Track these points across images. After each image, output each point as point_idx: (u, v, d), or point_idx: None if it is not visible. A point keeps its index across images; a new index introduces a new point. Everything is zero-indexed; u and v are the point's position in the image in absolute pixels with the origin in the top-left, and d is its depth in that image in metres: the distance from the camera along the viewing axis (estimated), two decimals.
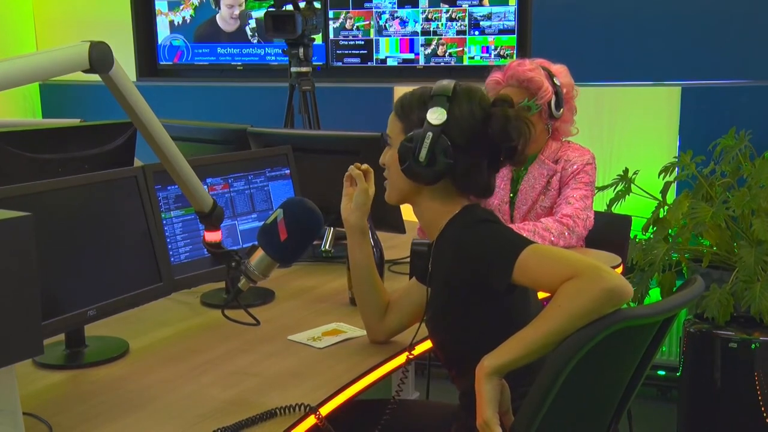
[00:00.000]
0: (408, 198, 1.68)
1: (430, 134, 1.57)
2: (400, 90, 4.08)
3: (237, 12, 4.41)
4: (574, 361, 1.32)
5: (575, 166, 2.56)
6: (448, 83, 1.61)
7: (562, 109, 2.58)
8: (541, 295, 1.81)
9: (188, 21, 4.53)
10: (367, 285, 1.79)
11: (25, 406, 1.30)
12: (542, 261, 1.44)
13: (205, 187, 1.91)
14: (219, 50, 4.51)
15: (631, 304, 1.44)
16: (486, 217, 1.59)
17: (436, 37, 4.06)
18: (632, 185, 3.26)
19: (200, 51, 4.54)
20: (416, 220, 2.65)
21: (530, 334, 1.38)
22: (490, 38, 3.99)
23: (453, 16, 4.02)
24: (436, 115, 1.57)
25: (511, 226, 2.47)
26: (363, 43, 4.18)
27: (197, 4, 4.49)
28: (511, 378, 1.43)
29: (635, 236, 3.19)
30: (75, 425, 1.43)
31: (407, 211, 2.41)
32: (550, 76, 2.57)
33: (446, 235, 1.62)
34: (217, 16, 4.45)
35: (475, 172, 1.61)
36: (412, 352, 1.71)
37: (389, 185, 1.69)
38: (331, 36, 4.22)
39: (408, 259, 2.10)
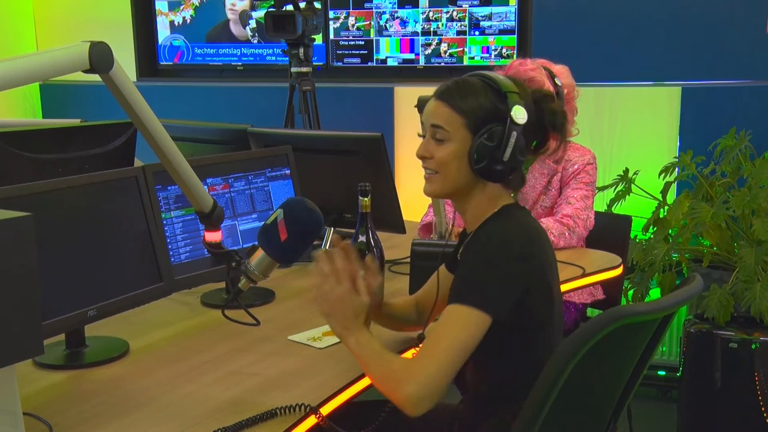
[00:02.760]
0: (457, 193, 1.62)
1: (515, 134, 1.54)
2: (401, 90, 4.10)
3: (238, 7, 4.41)
4: (575, 360, 1.32)
5: (576, 166, 2.56)
6: (504, 78, 1.58)
7: None
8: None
9: (188, 21, 4.53)
10: (392, 319, 1.80)
11: (25, 406, 1.30)
12: (443, 324, 1.48)
13: (205, 187, 1.91)
14: (219, 50, 4.51)
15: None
16: (505, 237, 1.54)
17: (437, 37, 4.06)
18: (632, 185, 3.26)
19: (200, 51, 4.54)
20: (416, 220, 2.66)
21: (372, 354, 1.51)
22: (491, 38, 3.99)
23: (453, 16, 4.02)
24: (521, 115, 1.54)
25: None
26: (363, 43, 4.18)
27: (197, 4, 4.49)
28: (506, 395, 1.50)
29: (635, 236, 3.19)
30: (75, 425, 1.43)
31: (407, 212, 2.41)
32: (552, 76, 2.57)
33: (479, 235, 1.60)
34: (231, 23, 4.46)
35: (521, 166, 1.60)
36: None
37: (440, 180, 1.60)
38: (332, 36, 4.22)
39: (408, 259, 2.10)
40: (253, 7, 4.38)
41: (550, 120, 1.60)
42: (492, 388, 1.62)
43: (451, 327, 1.47)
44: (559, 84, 2.57)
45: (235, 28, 4.46)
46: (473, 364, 1.64)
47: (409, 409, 1.43)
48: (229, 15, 4.44)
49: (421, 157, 1.62)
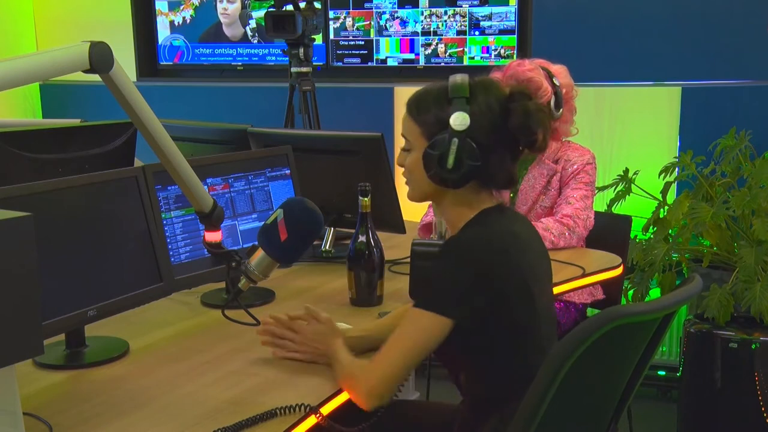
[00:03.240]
0: (431, 198, 1.68)
1: (455, 140, 1.54)
2: (401, 90, 4.10)
3: (230, 10, 4.40)
4: (571, 360, 1.31)
5: (575, 166, 2.56)
6: (462, 81, 1.57)
7: (561, 110, 2.58)
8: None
9: (188, 21, 4.52)
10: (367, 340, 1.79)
11: (25, 406, 1.30)
12: (401, 326, 1.54)
13: (205, 187, 1.91)
14: (219, 50, 4.51)
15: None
16: (465, 244, 1.56)
17: (437, 37, 4.06)
18: (632, 185, 3.26)
19: (200, 51, 4.54)
20: (416, 220, 2.66)
21: (338, 362, 1.62)
22: (491, 38, 3.99)
23: (453, 16, 4.02)
24: (459, 121, 1.54)
25: None
26: (363, 43, 4.18)
27: (197, 4, 4.49)
28: (502, 396, 1.53)
29: (635, 236, 3.19)
30: (75, 425, 1.43)
31: (407, 212, 2.41)
32: (550, 76, 2.57)
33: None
34: (223, 26, 4.46)
35: (499, 167, 1.59)
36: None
37: (412, 186, 1.67)
38: (331, 36, 4.22)
39: (408, 259, 2.10)
40: (244, 7, 4.38)
41: (522, 120, 1.56)
42: (486, 389, 1.62)
43: (406, 329, 1.54)
44: (558, 84, 2.58)
45: (228, 30, 4.46)
46: (464, 368, 1.65)
47: (362, 405, 1.53)
48: (222, 19, 4.44)
49: (399, 165, 1.69)
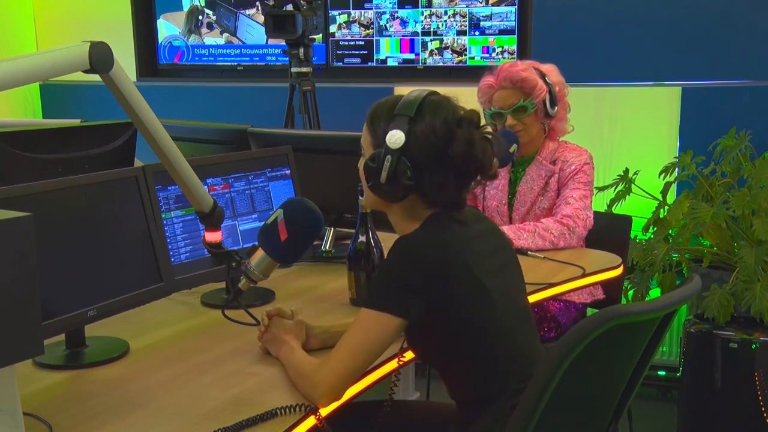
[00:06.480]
0: (380, 208, 1.68)
1: (389, 157, 1.55)
2: (401, 90, 4.09)
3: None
4: (569, 359, 1.31)
5: (573, 167, 2.57)
6: (415, 98, 1.57)
7: (556, 107, 2.59)
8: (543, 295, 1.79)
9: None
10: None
11: (25, 406, 1.29)
12: (351, 327, 1.54)
13: (206, 187, 1.91)
14: (219, 50, 4.51)
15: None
16: (409, 243, 1.55)
17: (437, 38, 4.06)
18: (632, 185, 3.26)
19: (200, 51, 4.54)
20: None
21: (292, 360, 1.62)
22: (491, 38, 3.99)
23: (453, 16, 4.02)
24: (394, 139, 1.54)
25: (510, 226, 2.47)
26: (363, 43, 4.18)
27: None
28: (486, 397, 1.54)
29: (635, 236, 3.19)
30: (75, 425, 1.43)
31: None
32: (542, 75, 2.58)
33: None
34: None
35: (442, 189, 1.58)
36: (403, 357, 1.69)
37: (365, 194, 1.68)
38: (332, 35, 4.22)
39: None
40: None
41: (465, 148, 1.55)
42: (466, 393, 1.63)
43: (356, 329, 1.54)
44: (550, 82, 2.58)
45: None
46: (438, 370, 1.65)
47: (314, 403, 1.51)
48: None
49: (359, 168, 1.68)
